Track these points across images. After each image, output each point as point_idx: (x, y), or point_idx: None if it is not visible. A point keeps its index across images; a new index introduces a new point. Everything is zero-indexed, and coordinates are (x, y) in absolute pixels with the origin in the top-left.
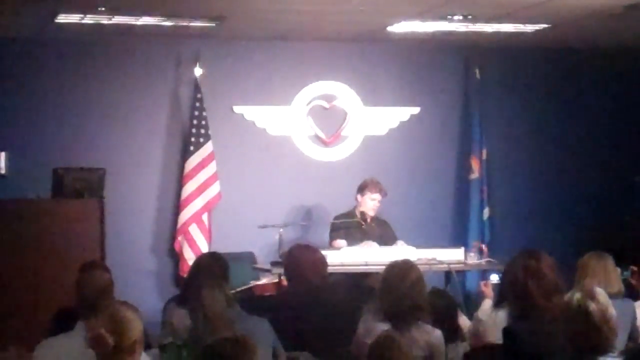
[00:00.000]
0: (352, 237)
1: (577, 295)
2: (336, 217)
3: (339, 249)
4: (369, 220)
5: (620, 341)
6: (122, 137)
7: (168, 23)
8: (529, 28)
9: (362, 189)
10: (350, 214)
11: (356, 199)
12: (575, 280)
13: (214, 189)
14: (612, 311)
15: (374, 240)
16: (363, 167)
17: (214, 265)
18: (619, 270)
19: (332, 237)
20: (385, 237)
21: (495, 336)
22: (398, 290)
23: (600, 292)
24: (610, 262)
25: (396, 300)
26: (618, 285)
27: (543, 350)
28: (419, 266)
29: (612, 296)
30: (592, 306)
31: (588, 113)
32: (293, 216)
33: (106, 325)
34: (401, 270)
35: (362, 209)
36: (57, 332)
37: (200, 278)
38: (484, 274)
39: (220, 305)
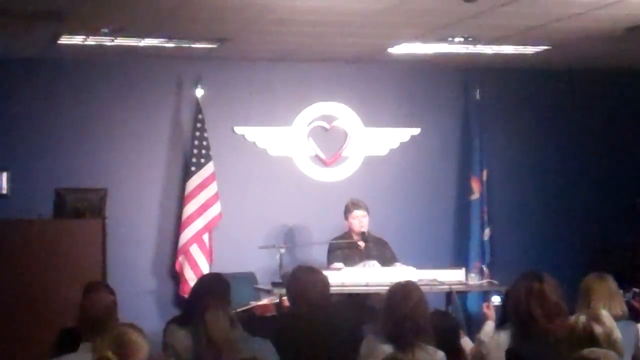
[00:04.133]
0: (350, 258)
1: (582, 318)
2: (333, 240)
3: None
4: (367, 239)
5: None
6: (124, 157)
7: (170, 45)
8: (530, 50)
9: (345, 213)
10: (347, 236)
11: (346, 224)
12: (579, 302)
13: (215, 209)
14: (618, 334)
15: (373, 260)
16: (363, 187)
17: (217, 286)
18: (621, 292)
19: (330, 260)
20: (384, 257)
21: (497, 358)
22: (401, 312)
23: (606, 315)
24: (612, 283)
25: (399, 322)
26: (621, 308)
27: None
28: (419, 287)
29: (615, 318)
30: (598, 329)
31: (589, 134)
32: (294, 236)
33: (112, 347)
34: (404, 291)
35: (354, 229)
36: (59, 352)
37: (203, 299)
38: (485, 295)
39: (224, 326)
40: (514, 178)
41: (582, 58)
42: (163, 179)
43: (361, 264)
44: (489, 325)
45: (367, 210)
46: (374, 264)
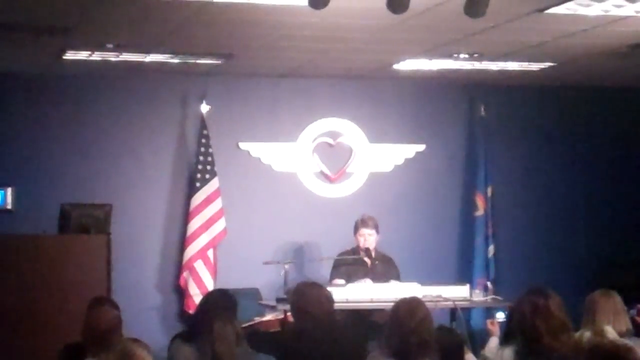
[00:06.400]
0: (355, 274)
1: (587, 335)
2: (339, 255)
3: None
4: (373, 255)
5: None
6: (129, 173)
7: (175, 60)
8: (534, 66)
9: (355, 229)
10: (353, 252)
11: (355, 240)
12: (584, 319)
13: (220, 225)
14: None
15: (377, 278)
16: (368, 203)
17: (224, 302)
18: (626, 308)
19: (332, 276)
20: (389, 274)
21: None
22: (406, 327)
23: (610, 332)
24: (618, 300)
25: (404, 337)
26: (626, 324)
27: None
28: (424, 303)
29: (620, 335)
30: None
31: (594, 150)
32: (298, 252)
33: None
34: (409, 307)
35: (360, 246)
36: None
37: (210, 315)
38: (489, 311)
39: (230, 342)
40: (518, 194)
41: (587, 75)
42: (168, 194)
43: (361, 281)
44: (493, 342)
45: (375, 228)
46: (367, 282)
